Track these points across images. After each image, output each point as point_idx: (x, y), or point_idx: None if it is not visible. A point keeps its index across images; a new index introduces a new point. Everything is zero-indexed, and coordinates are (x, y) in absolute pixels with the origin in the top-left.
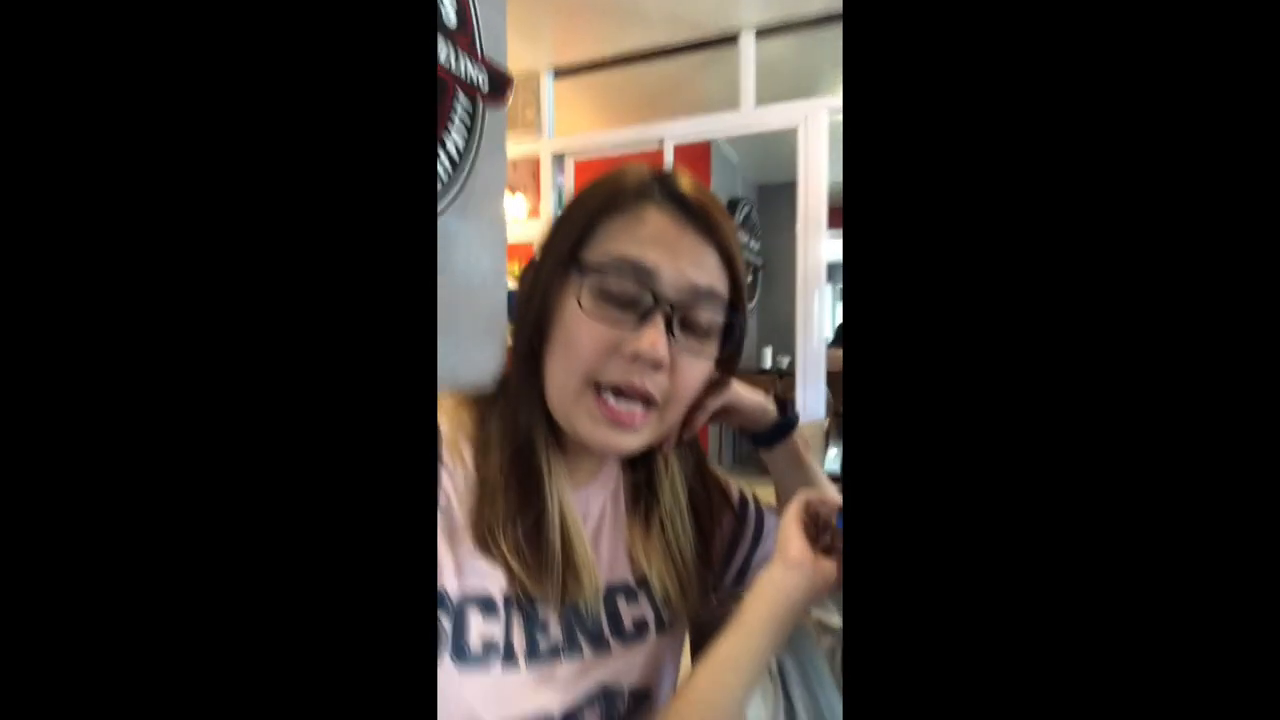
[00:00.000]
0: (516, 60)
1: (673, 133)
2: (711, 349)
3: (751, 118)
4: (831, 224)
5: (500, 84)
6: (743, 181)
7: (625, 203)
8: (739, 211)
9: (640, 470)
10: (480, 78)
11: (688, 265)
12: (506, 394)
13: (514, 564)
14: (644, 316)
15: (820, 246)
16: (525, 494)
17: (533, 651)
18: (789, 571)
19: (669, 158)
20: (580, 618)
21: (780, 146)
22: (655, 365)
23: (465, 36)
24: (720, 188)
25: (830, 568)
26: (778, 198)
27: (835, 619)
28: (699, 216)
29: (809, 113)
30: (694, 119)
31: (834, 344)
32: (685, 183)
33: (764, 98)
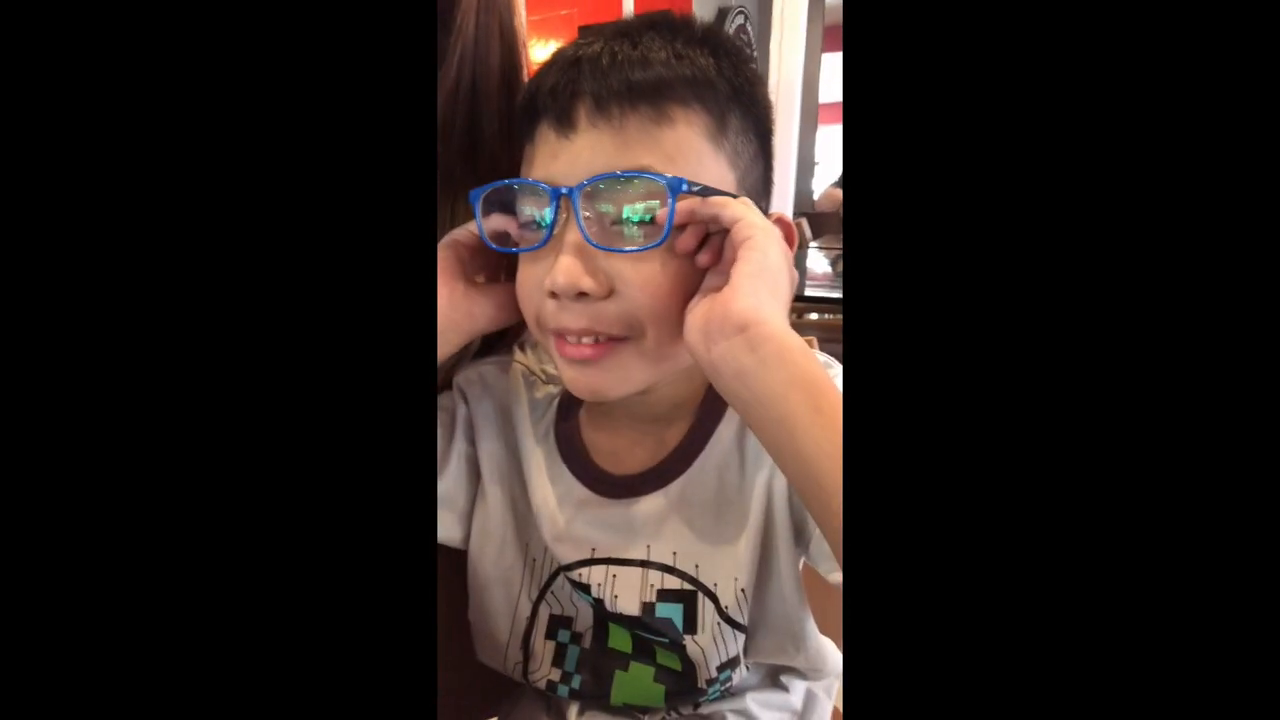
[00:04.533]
0: None
1: None
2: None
3: None
4: (828, 46)
5: None
6: None
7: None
8: (729, 21)
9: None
10: None
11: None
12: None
13: None
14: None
15: (796, 55)
16: None
17: None
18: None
19: None
20: None
21: None
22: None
23: None
24: None
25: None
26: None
27: None
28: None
29: None
30: None
31: (837, 184)
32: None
33: None
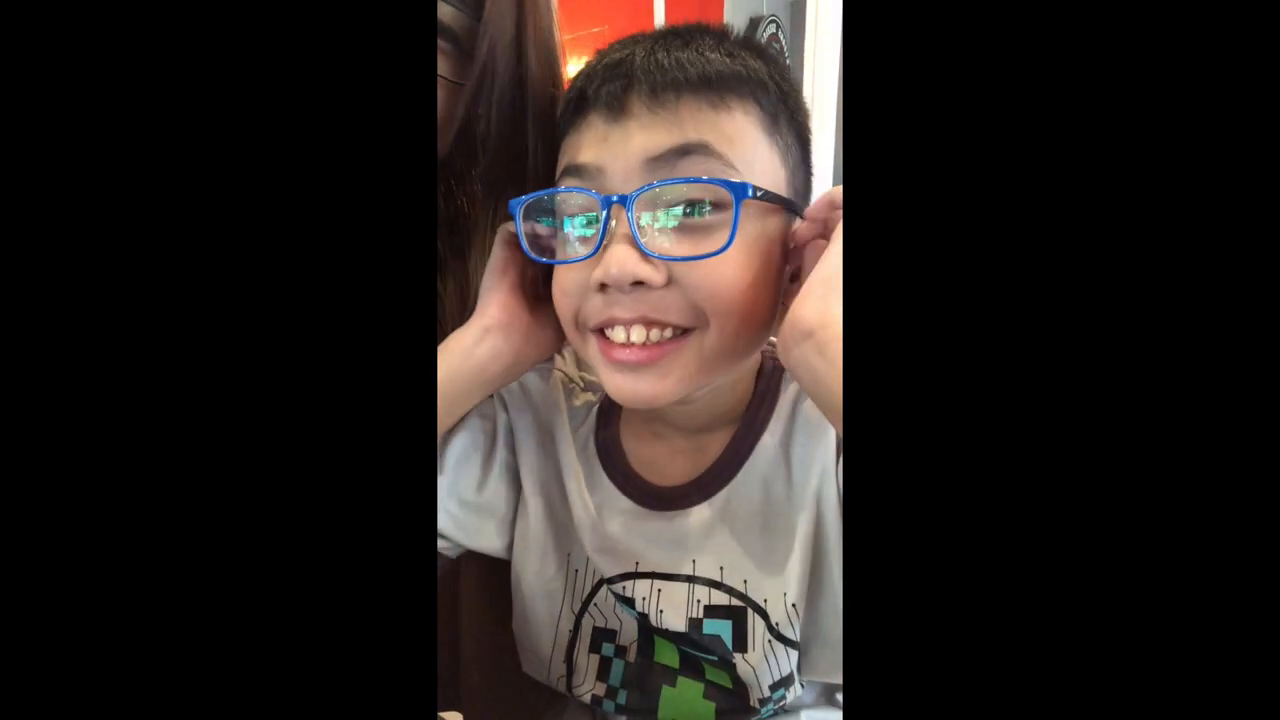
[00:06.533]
0: None
1: None
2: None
3: None
4: None
5: None
6: None
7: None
8: (760, 30)
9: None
10: None
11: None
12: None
13: None
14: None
15: (832, 62)
16: None
17: None
18: None
19: None
20: None
21: None
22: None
23: None
24: (740, 4)
25: None
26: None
27: None
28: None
29: None
30: None
31: None
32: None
33: None
